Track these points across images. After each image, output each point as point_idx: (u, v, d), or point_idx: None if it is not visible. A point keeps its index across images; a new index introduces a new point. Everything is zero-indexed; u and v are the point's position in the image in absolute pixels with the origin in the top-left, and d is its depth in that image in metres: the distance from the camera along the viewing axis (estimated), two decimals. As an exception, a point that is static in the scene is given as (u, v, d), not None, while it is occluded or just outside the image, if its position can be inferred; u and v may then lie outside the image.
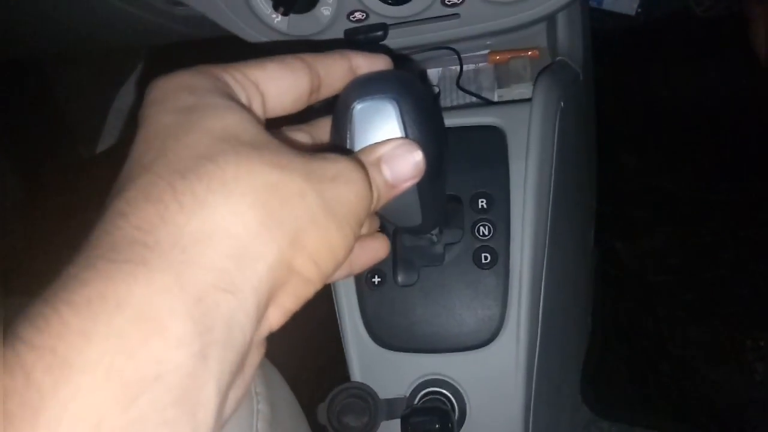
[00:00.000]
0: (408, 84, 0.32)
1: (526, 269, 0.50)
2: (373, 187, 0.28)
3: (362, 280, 0.53)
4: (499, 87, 0.65)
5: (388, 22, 0.51)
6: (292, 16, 0.50)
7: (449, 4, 0.49)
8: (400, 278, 0.52)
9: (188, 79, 0.26)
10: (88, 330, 0.19)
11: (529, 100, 0.53)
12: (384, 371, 0.52)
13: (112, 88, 1.20)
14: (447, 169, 0.37)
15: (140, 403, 0.19)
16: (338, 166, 0.26)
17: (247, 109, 0.26)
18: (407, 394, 0.51)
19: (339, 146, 0.31)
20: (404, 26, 0.51)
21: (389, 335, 0.52)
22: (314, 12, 0.50)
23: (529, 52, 0.65)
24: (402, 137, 0.30)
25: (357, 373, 0.52)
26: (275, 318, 0.25)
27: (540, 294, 0.51)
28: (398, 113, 0.30)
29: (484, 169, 0.52)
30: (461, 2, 0.49)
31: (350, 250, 0.26)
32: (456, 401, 0.50)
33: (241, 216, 0.22)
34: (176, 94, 0.25)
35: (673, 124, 0.98)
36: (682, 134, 0.98)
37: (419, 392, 0.51)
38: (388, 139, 0.30)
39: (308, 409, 0.45)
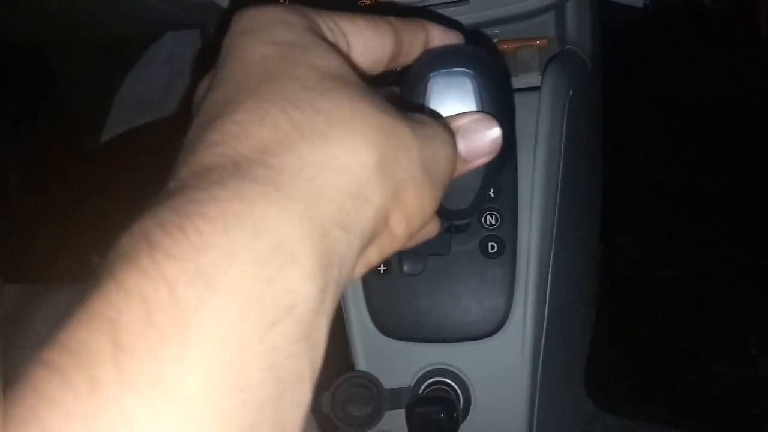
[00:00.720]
0: (484, 60, 0.31)
1: (533, 260, 0.50)
2: None
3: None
4: (507, 77, 0.64)
5: (398, 7, 0.50)
6: (299, 1, 0.50)
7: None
8: (406, 267, 0.52)
9: (284, 14, 0.25)
10: (230, 249, 0.18)
11: (537, 88, 0.53)
12: (389, 360, 0.51)
13: (117, 77, 1.19)
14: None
15: (274, 333, 0.18)
16: (434, 126, 0.26)
17: (345, 54, 0.26)
18: (412, 384, 0.51)
19: (426, 108, 0.31)
20: (414, 12, 0.50)
21: (394, 324, 0.51)
22: (322, -3, 0.50)
23: (538, 42, 0.65)
24: (480, 111, 0.30)
25: (362, 362, 0.52)
26: (359, 269, 0.25)
27: (546, 285, 0.51)
28: (475, 87, 0.30)
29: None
30: (469, -9, 0.48)
31: (433, 214, 0.26)
32: (461, 391, 0.50)
33: (360, 155, 0.21)
34: (273, 27, 0.24)
35: (680, 118, 0.98)
36: (688, 128, 0.97)
37: (424, 382, 0.50)
38: (467, 112, 0.30)
39: (312, 397, 0.45)
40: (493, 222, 0.50)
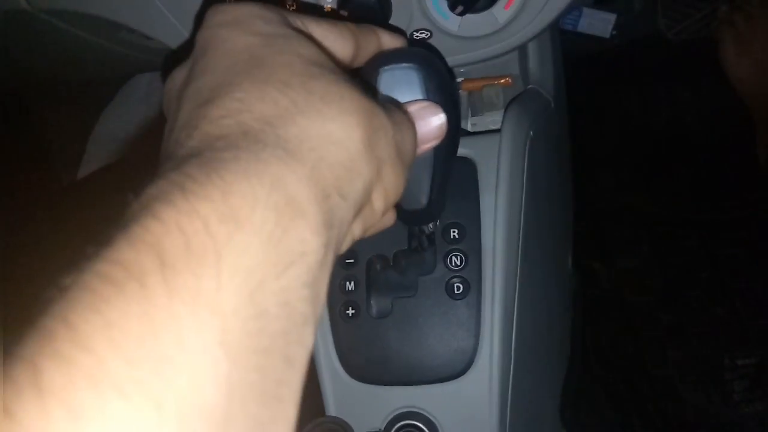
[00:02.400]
0: (428, 57, 0.34)
1: (497, 300, 0.50)
2: None
3: (336, 312, 0.53)
4: (473, 115, 0.66)
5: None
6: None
7: (417, 39, 0.50)
8: (374, 310, 0.52)
9: (261, 10, 0.27)
10: (254, 197, 0.20)
11: (499, 130, 0.54)
12: (359, 404, 0.52)
13: (93, 113, 1.20)
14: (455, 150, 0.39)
15: (288, 274, 0.20)
16: (400, 112, 0.29)
17: (321, 45, 0.28)
18: (382, 428, 0.51)
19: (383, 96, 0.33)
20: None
21: (364, 368, 0.52)
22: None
23: (502, 80, 0.66)
24: (426, 99, 0.32)
25: (332, 407, 0.52)
26: (346, 243, 0.27)
27: (512, 324, 0.51)
28: (421, 80, 0.32)
29: (456, 200, 0.52)
30: (429, 37, 0.50)
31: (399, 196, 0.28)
32: (431, 434, 0.50)
33: (352, 132, 0.24)
34: (251, 20, 0.26)
35: (649, 144, 1.00)
36: (657, 154, 0.99)
37: (394, 425, 0.51)
38: (415, 100, 0.32)
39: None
40: (458, 263, 0.51)
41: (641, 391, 0.80)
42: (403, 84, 0.32)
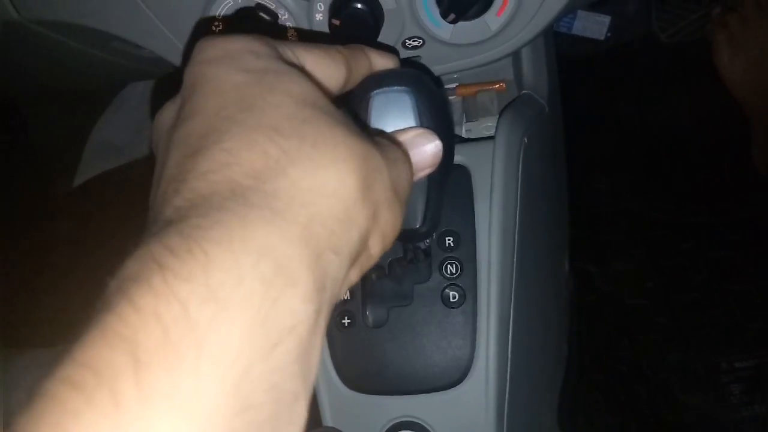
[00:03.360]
0: (421, 79, 0.34)
1: (493, 308, 0.50)
2: None
3: (331, 322, 0.52)
4: (467, 120, 0.65)
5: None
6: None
7: (410, 47, 0.50)
8: (370, 319, 0.52)
9: (251, 43, 0.26)
10: (238, 271, 0.19)
11: (493, 137, 0.54)
12: (355, 414, 0.51)
13: (89, 121, 1.19)
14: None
15: (277, 353, 0.19)
16: (396, 148, 0.28)
17: (313, 79, 0.27)
18: (379, 437, 0.50)
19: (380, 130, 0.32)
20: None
21: (360, 377, 0.51)
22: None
23: (496, 86, 0.66)
24: (420, 126, 0.32)
25: (328, 417, 0.52)
26: (342, 290, 0.26)
27: (509, 331, 0.51)
28: (414, 103, 0.32)
29: (451, 208, 0.52)
30: (421, 45, 0.49)
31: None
32: (427, 443, 0.50)
33: (346, 180, 0.23)
34: (240, 55, 0.25)
35: (644, 148, 1.00)
36: (653, 157, 0.99)
37: (391, 435, 0.50)
38: (409, 128, 0.31)
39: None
40: (454, 271, 0.51)
41: (639, 395, 0.80)
42: (395, 108, 0.32)
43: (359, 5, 0.43)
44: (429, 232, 0.46)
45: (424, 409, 0.50)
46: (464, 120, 0.66)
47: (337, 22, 0.46)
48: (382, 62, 0.34)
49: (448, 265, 0.51)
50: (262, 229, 0.20)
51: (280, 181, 0.21)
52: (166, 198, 0.21)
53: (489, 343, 0.50)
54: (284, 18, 0.48)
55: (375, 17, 0.45)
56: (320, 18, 0.47)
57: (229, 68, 0.24)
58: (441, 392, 0.50)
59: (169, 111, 0.27)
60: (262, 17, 0.47)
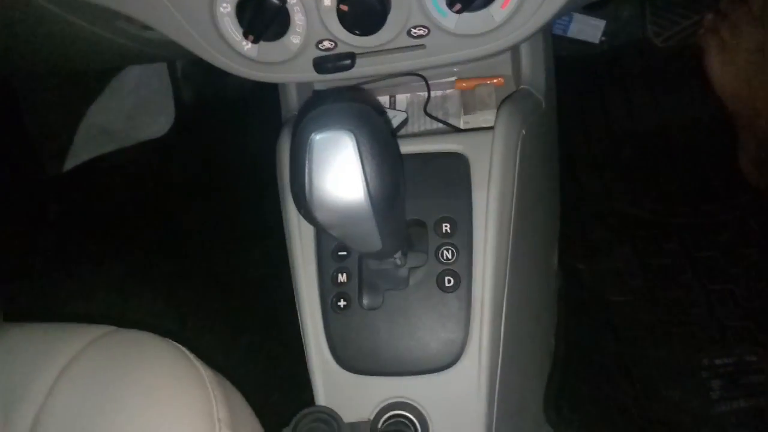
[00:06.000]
0: (364, 117, 0.34)
1: (487, 293, 0.51)
2: None
3: (328, 303, 0.53)
4: (465, 113, 0.67)
5: (356, 51, 0.52)
6: (261, 43, 0.51)
7: (415, 35, 0.51)
8: (365, 302, 0.53)
9: None
10: None
11: (492, 128, 0.55)
12: (348, 394, 0.52)
13: (83, 105, 1.19)
14: (404, 197, 0.38)
15: None
16: None
17: None
18: (371, 417, 0.51)
19: None
20: (371, 56, 0.52)
21: (354, 358, 0.52)
22: (284, 40, 0.51)
23: (495, 80, 0.68)
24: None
25: (321, 397, 0.53)
26: None
27: (501, 317, 0.53)
28: (355, 146, 0.32)
29: (448, 195, 0.53)
30: (426, 34, 0.50)
31: None
32: (419, 424, 0.51)
33: None
34: None
35: (634, 149, 1.02)
36: (642, 158, 1.01)
37: (383, 415, 0.51)
38: None
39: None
40: (450, 257, 0.52)
41: (622, 388, 0.82)
42: (336, 150, 0.32)
43: (367, -9, 0.44)
44: (395, 249, 0.47)
45: (416, 391, 0.51)
46: (462, 112, 0.67)
47: (345, 7, 0.47)
48: None
49: (444, 251, 0.52)
50: None
51: None
52: None
53: (483, 327, 0.51)
54: (293, 2, 0.48)
55: (382, 3, 0.46)
56: (328, 3, 0.48)
57: None
58: (434, 374, 0.51)
59: None
60: (272, 1, 0.47)
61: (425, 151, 0.55)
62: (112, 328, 0.42)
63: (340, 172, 0.33)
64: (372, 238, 0.37)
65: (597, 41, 1.10)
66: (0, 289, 1.02)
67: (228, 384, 0.41)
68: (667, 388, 0.81)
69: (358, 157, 0.32)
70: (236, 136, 1.13)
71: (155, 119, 1.19)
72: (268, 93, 0.69)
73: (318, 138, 0.32)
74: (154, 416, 0.36)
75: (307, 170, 0.33)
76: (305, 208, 0.35)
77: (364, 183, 0.33)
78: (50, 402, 0.36)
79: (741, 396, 0.79)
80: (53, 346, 0.41)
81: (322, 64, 0.53)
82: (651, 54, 1.05)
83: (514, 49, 0.64)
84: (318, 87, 0.67)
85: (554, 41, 0.77)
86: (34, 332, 0.44)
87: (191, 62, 1.15)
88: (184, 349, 0.41)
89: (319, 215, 0.35)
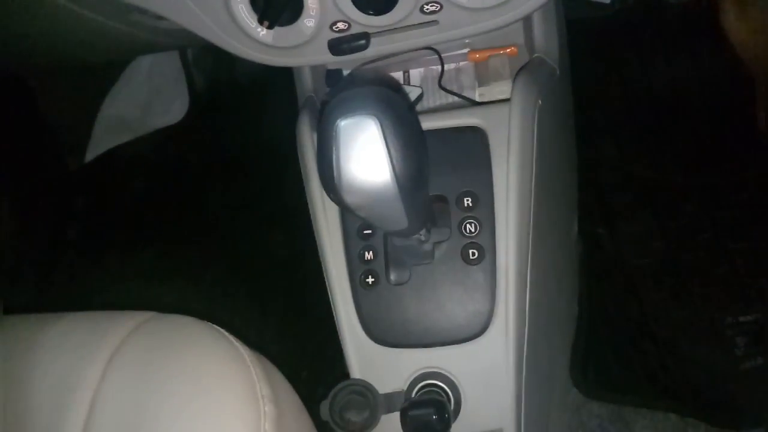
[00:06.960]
0: (389, 101, 0.35)
1: (512, 264, 0.52)
2: None
3: (356, 281, 0.55)
4: (480, 85, 0.67)
5: (370, 31, 0.52)
6: (276, 28, 0.52)
7: (427, 11, 0.51)
8: (392, 277, 0.54)
9: None
10: None
11: (508, 99, 0.55)
12: (381, 367, 0.54)
13: (97, 96, 1.20)
14: (428, 177, 0.40)
15: None
16: None
17: None
18: (405, 388, 0.53)
19: None
20: (385, 34, 0.53)
21: (385, 332, 0.54)
22: (298, 24, 0.52)
23: (508, 50, 0.67)
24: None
25: (356, 370, 0.54)
26: None
27: (526, 286, 0.54)
28: (380, 130, 0.33)
29: (468, 169, 0.54)
30: (439, 10, 0.51)
31: None
32: (451, 392, 0.52)
33: None
34: None
35: (650, 111, 1.01)
36: (658, 121, 1.00)
37: (416, 385, 0.53)
38: None
39: (309, 406, 0.47)
40: (473, 230, 0.53)
41: (646, 350, 0.83)
42: (362, 134, 0.33)
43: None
44: (420, 227, 0.48)
45: (447, 360, 0.53)
46: (477, 85, 0.67)
47: None
48: None
49: (467, 224, 0.53)
50: None
51: None
52: None
53: (508, 297, 0.52)
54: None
55: (396, -20, 0.46)
56: None
57: None
58: (463, 344, 0.52)
59: None
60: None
61: (444, 127, 0.55)
62: (153, 313, 0.44)
63: (366, 156, 0.34)
64: (398, 217, 0.39)
65: (608, 1, 1.09)
66: (34, 283, 1.05)
67: (266, 361, 0.43)
68: (692, 347, 0.82)
69: (383, 140, 0.33)
70: (251, 119, 1.14)
71: (170, 107, 1.20)
72: (279, 74, 0.69)
73: (343, 124, 0.33)
74: (202, 399, 0.37)
75: (334, 156, 0.34)
76: (334, 192, 0.36)
77: (390, 165, 0.34)
78: (103, 387, 0.38)
79: (764, 352, 0.80)
80: (99, 335, 0.42)
81: (337, 46, 0.53)
82: (664, 11, 1.03)
83: (526, 18, 0.64)
84: (331, 67, 0.68)
85: (566, 3, 0.76)
86: (78, 321, 0.46)
87: (202, 49, 1.15)
88: (223, 330, 0.43)
89: (348, 198, 0.36)
